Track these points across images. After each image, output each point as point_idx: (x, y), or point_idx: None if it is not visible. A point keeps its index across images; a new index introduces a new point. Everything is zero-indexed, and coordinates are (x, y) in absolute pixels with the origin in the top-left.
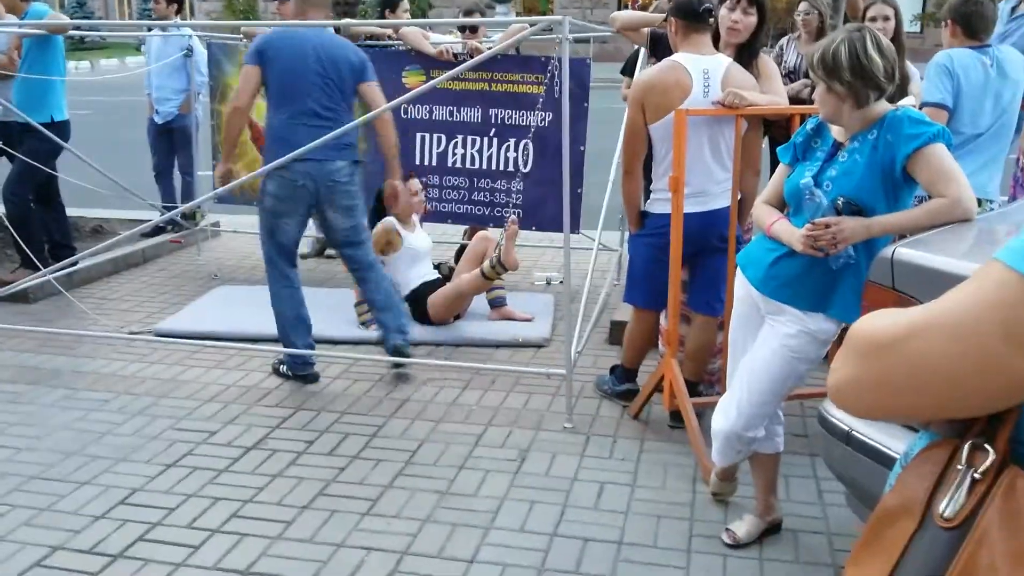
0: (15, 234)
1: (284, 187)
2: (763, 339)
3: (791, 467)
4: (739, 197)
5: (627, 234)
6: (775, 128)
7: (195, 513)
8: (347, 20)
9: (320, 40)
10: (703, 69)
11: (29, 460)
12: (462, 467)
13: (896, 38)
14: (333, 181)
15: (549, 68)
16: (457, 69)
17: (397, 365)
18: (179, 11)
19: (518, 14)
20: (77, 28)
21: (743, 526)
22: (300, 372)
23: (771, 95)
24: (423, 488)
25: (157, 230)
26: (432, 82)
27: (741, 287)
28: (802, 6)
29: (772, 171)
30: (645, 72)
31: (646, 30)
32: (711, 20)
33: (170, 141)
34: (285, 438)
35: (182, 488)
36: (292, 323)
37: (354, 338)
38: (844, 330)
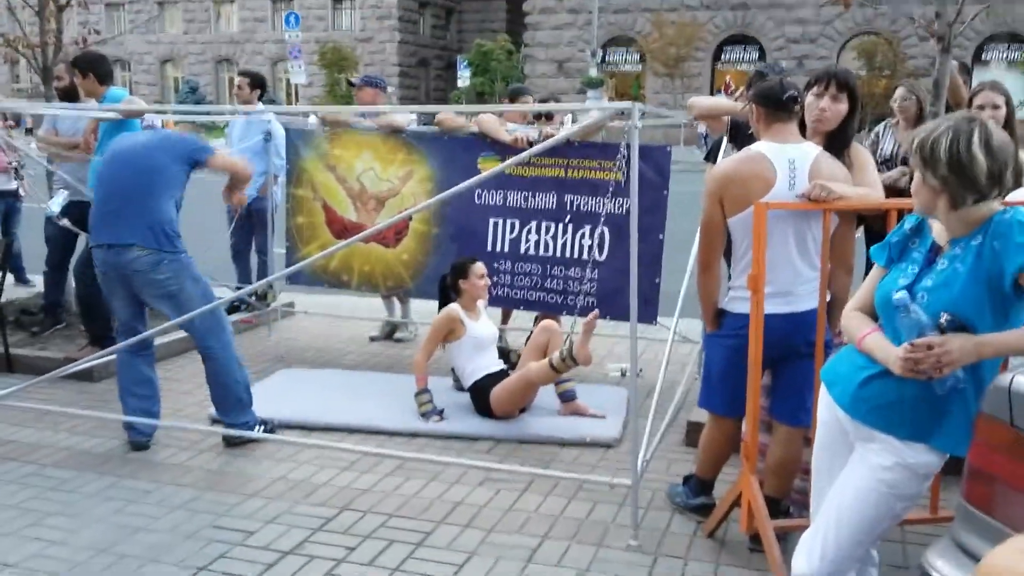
0: (83, 312)
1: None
2: (853, 469)
3: None
4: (828, 298)
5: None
6: (870, 220)
7: None
8: (432, 107)
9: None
10: (789, 159)
11: (58, 556)
12: None
13: (1008, 126)
14: (132, 270)
15: (621, 154)
16: (526, 153)
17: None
18: (262, 96)
19: (610, 99)
20: (162, 112)
21: None
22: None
23: (864, 187)
24: None
25: (231, 309)
26: (501, 165)
27: (826, 409)
28: (899, 91)
29: (867, 270)
30: (724, 162)
31: (726, 118)
32: (797, 107)
33: (248, 222)
34: (325, 542)
35: None
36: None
37: (410, 430)
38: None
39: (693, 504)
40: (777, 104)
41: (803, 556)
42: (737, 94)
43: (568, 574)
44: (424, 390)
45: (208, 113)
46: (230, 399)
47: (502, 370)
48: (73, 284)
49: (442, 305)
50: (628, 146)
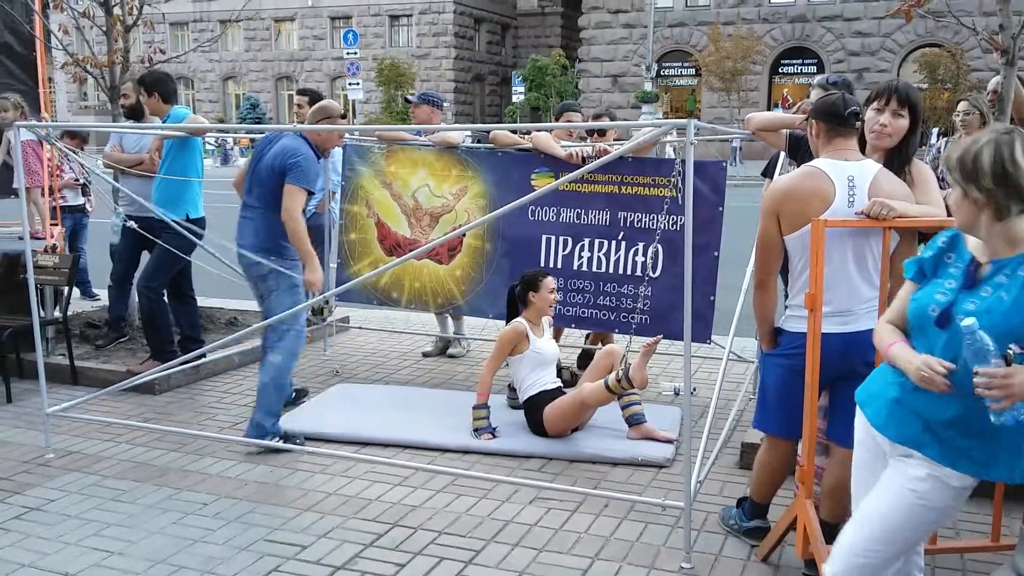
0: (145, 326)
1: None
2: (886, 479)
3: None
4: None
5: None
6: (930, 238)
7: None
8: (486, 126)
9: (269, 140)
10: (848, 176)
11: (117, 566)
12: None
13: None
14: (244, 268)
15: (676, 170)
16: (581, 170)
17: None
18: None
19: (665, 114)
20: (224, 132)
21: None
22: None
23: (925, 205)
24: None
25: None
26: (557, 182)
27: (862, 429)
28: (961, 105)
29: None
30: (781, 179)
31: (785, 132)
32: (858, 123)
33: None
34: (376, 558)
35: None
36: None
37: (462, 447)
38: None
39: (747, 527)
40: (838, 119)
41: (827, 562)
42: (797, 108)
43: None
44: (483, 405)
45: (263, 131)
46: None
47: (558, 387)
48: (137, 299)
49: (510, 317)
50: (683, 162)
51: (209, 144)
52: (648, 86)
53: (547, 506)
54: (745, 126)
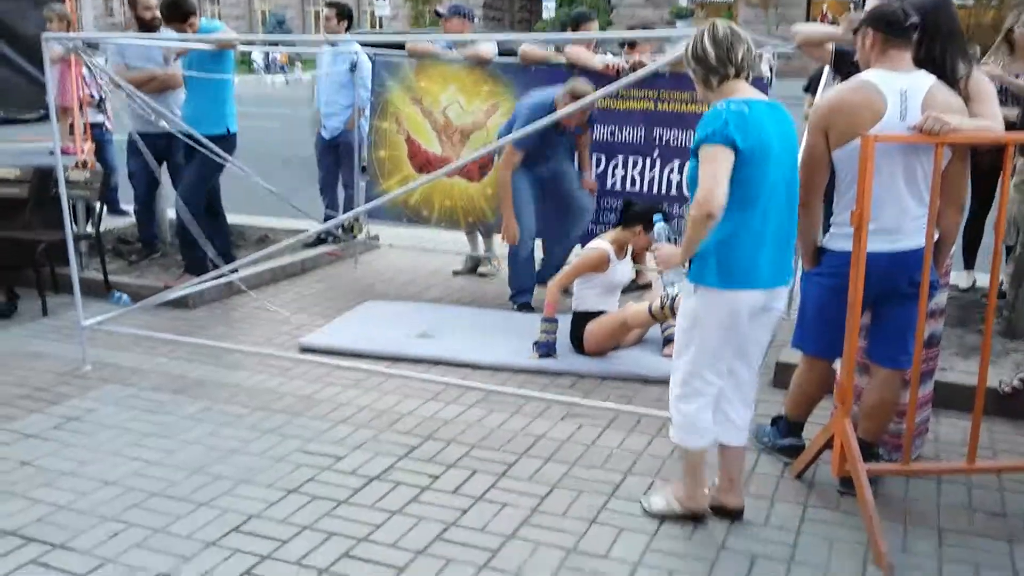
0: (182, 241)
1: None
2: None
3: (983, 554)
4: (936, 237)
5: (800, 266)
6: (980, 155)
7: (306, 549)
8: (516, 35)
9: None
10: (900, 89)
11: (155, 475)
12: (593, 521)
13: None
14: None
15: None
16: (616, 84)
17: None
18: (348, 27)
19: None
20: (249, 43)
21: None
22: None
23: (981, 120)
24: (547, 542)
25: (318, 241)
26: (592, 96)
27: None
28: (1011, 18)
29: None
30: (830, 92)
31: (830, 46)
32: (915, 36)
33: (336, 155)
34: (410, 469)
35: (298, 519)
36: None
37: (494, 363)
38: None
39: (781, 445)
40: (898, 29)
41: None
42: (845, 21)
43: None
44: (552, 319)
45: (294, 44)
46: None
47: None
48: (169, 215)
49: (622, 223)
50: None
51: (256, 62)
52: (683, 1)
53: (579, 422)
54: (792, 39)
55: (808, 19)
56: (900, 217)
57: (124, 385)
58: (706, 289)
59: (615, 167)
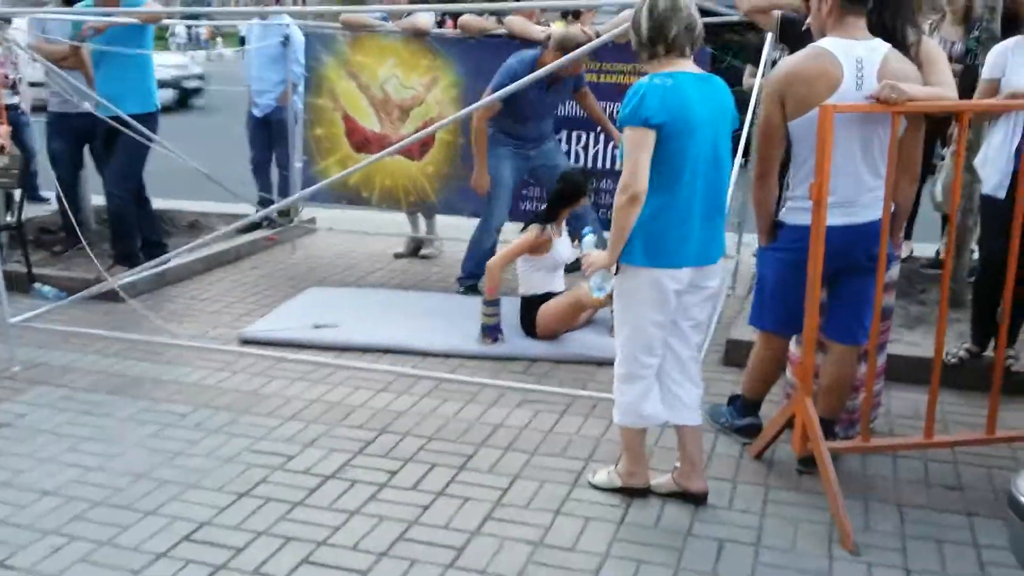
0: (113, 231)
1: None
2: None
3: (944, 529)
4: (892, 209)
5: (745, 238)
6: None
7: (262, 556)
8: (455, 6)
9: None
10: (856, 57)
11: (97, 482)
12: (559, 511)
13: None
14: None
15: None
16: (561, 60)
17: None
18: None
19: None
20: (170, 16)
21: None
22: None
23: (935, 88)
24: (514, 536)
25: (252, 226)
26: (542, 70)
27: None
28: None
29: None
30: (785, 61)
31: (776, 13)
32: (871, 3)
33: (268, 134)
34: (366, 466)
35: (252, 524)
36: None
37: (444, 350)
38: None
39: (739, 425)
40: None
41: None
42: None
43: (615, 498)
44: (495, 302)
45: (213, 16)
46: None
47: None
48: (93, 201)
49: (547, 215)
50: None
51: (178, 35)
52: None
53: (535, 409)
54: (737, 6)
55: None
56: (856, 189)
57: (56, 386)
58: (633, 268)
59: (559, 142)
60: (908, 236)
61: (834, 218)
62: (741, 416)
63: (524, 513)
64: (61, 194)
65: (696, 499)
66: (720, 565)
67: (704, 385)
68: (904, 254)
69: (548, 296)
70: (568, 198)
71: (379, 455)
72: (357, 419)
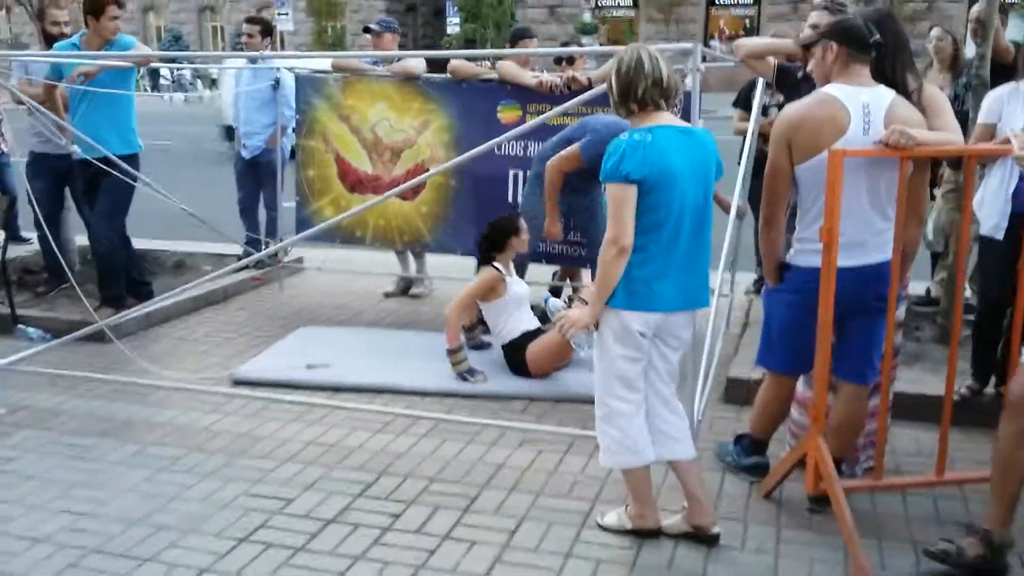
0: (100, 272)
1: None
2: None
3: None
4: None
5: (735, 275)
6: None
7: None
8: (446, 53)
9: None
10: (863, 103)
11: (90, 528)
12: (569, 554)
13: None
14: None
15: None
16: (572, 102)
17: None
18: (270, 44)
19: (601, 45)
20: (163, 60)
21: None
22: None
23: (942, 132)
24: None
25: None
26: (542, 117)
27: None
28: (934, 32)
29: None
30: (792, 107)
31: (772, 60)
32: (875, 54)
33: (256, 175)
34: (368, 509)
35: (253, 571)
36: None
37: (440, 390)
38: None
39: (745, 464)
40: (861, 45)
41: None
42: (798, 36)
43: (625, 540)
44: (459, 347)
45: (196, 62)
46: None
47: (538, 328)
48: (76, 241)
49: (483, 261)
50: (688, 94)
51: (164, 79)
52: (587, 17)
53: (537, 448)
54: (735, 52)
55: (707, 35)
56: (864, 231)
57: (43, 429)
58: (608, 310)
59: None
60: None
61: (844, 260)
62: (747, 455)
63: (533, 556)
64: (47, 234)
65: (707, 538)
66: None
67: (708, 422)
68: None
69: (526, 336)
70: (497, 244)
71: (380, 498)
72: (356, 461)
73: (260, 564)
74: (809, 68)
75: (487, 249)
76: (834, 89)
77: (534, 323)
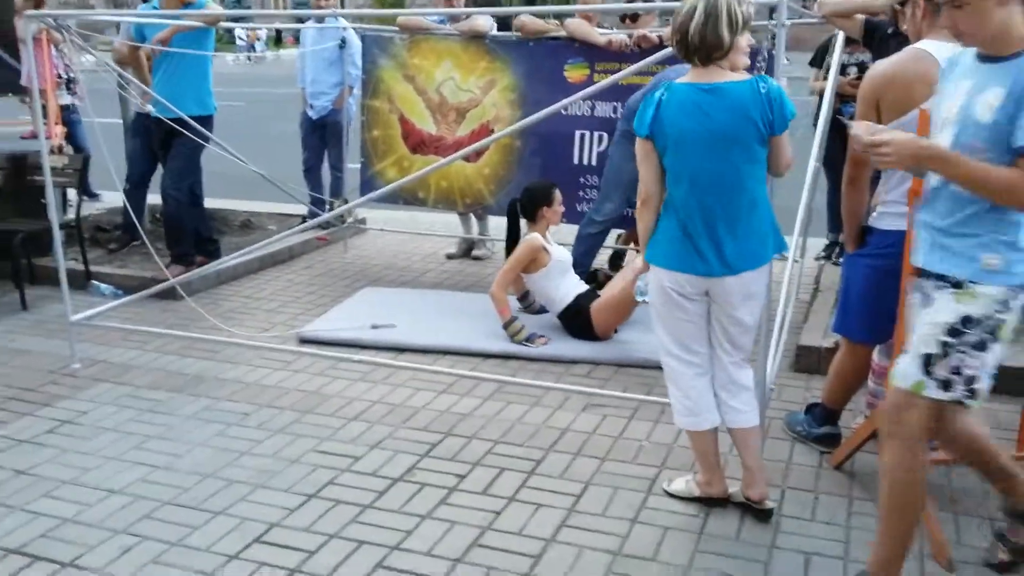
0: (168, 231)
1: None
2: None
3: None
4: None
5: (805, 240)
6: None
7: (336, 560)
8: (514, 9)
9: None
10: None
11: (165, 481)
12: (635, 520)
13: None
14: None
15: (759, 62)
16: (645, 61)
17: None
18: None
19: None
20: (232, 19)
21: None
22: None
23: None
24: (591, 546)
25: (301, 222)
26: (616, 76)
27: None
28: None
29: None
30: (883, 63)
31: (860, 17)
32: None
33: (322, 136)
34: (434, 469)
35: (323, 526)
36: None
37: (504, 352)
38: None
39: (816, 434)
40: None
41: None
42: None
43: (692, 507)
44: (512, 319)
45: (255, 19)
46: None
47: (589, 289)
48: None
49: (513, 229)
50: (770, 53)
51: (241, 40)
52: None
53: (601, 413)
54: (819, 8)
55: None
56: None
57: (117, 383)
58: (651, 266)
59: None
60: None
61: None
62: (819, 425)
63: (600, 521)
64: (126, 191)
65: (757, 509)
66: None
67: (776, 391)
68: None
69: (579, 300)
70: (530, 211)
71: (446, 458)
72: (421, 421)
73: (329, 520)
74: (904, 27)
75: (514, 214)
76: (927, 44)
77: (582, 286)
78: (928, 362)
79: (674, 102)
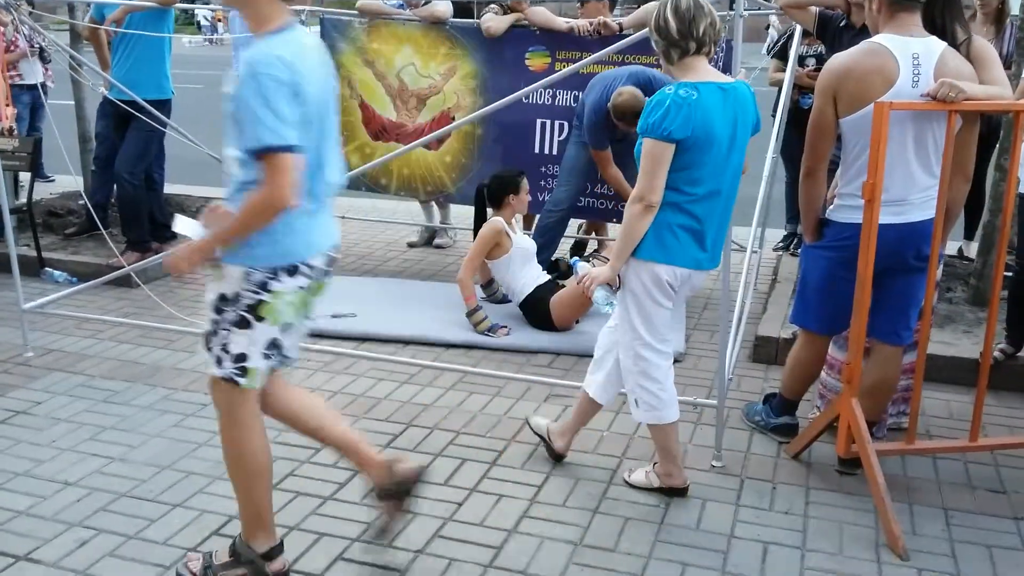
0: (124, 216)
1: None
2: None
3: (993, 534)
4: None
5: (764, 231)
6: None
7: (296, 552)
8: None
9: None
10: (913, 54)
11: (121, 473)
12: (596, 511)
13: None
14: None
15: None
16: (604, 51)
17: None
18: None
19: None
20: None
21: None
22: None
23: (991, 87)
24: (552, 536)
25: None
26: (579, 63)
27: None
28: None
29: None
30: (840, 56)
31: (814, 9)
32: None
33: None
34: None
35: (283, 518)
36: None
37: (466, 342)
38: None
39: (774, 424)
40: None
41: None
42: None
43: (653, 498)
44: (476, 308)
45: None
46: None
47: (550, 280)
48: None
49: (479, 216)
50: (729, 43)
51: (205, 20)
52: None
53: (564, 403)
54: (775, 0)
55: None
56: (908, 188)
57: (72, 373)
58: (638, 261)
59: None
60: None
61: (885, 216)
62: (777, 415)
63: (561, 512)
64: (93, 172)
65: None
66: (767, 568)
67: (736, 381)
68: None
69: (538, 291)
70: (495, 199)
71: (408, 449)
72: (382, 412)
73: (290, 512)
74: (855, 20)
75: (480, 201)
76: (884, 38)
77: (544, 276)
78: (207, 340)
79: (706, 102)
